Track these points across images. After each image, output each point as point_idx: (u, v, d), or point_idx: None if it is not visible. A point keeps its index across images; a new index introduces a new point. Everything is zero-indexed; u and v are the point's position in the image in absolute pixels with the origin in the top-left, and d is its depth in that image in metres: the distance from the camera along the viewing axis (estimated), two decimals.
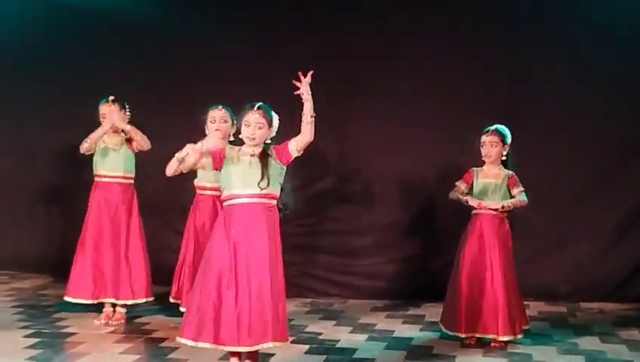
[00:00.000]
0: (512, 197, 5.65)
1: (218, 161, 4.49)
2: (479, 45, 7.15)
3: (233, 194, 4.46)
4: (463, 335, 5.57)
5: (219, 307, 4.35)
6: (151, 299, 6.11)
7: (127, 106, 6.04)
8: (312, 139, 4.44)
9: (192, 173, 5.85)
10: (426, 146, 7.14)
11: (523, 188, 5.64)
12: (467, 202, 5.68)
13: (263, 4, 7.41)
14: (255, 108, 4.47)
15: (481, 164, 5.73)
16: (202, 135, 5.39)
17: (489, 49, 7.14)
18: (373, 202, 7.31)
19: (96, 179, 6.12)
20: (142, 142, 5.98)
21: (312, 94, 4.37)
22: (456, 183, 5.77)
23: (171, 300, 5.86)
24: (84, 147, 5.98)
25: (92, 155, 6.08)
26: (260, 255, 4.41)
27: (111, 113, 5.94)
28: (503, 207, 5.60)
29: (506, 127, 5.70)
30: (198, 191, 5.85)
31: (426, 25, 7.23)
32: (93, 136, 5.95)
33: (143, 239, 6.13)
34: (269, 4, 7.41)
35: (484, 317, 5.51)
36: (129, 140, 6.05)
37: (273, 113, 4.51)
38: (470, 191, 5.72)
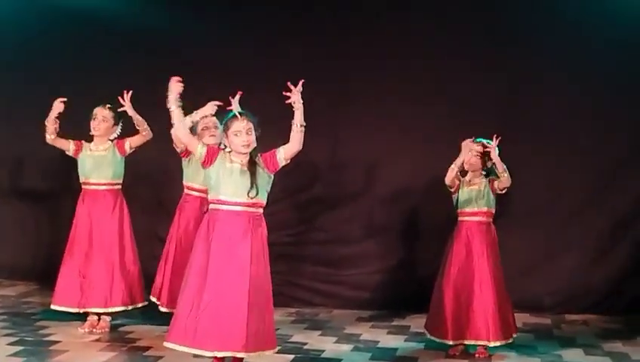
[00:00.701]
0: (496, 200, 5.68)
1: (209, 159, 4.49)
2: (478, 48, 7.14)
3: (221, 200, 4.48)
4: (451, 343, 5.58)
5: (190, 309, 4.39)
6: (145, 303, 6.07)
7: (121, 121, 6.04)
8: (301, 148, 4.47)
9: (180, 175, 5.91)
10: (413, 156, 7.14)
11: None
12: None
13: (262, 5, 7.43)
14: (240, 116, 4.48)
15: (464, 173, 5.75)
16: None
17: (488, 50, 7.13)
18: (359, 212, 7.31)
19: (83, 187, 6.05)
20: (146, 132, 5.94)
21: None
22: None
23: (151, 298, 5.91)
24: (48, 138, 5.95)
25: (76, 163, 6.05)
26: (239, 265, 4.41)
27: (54, 107, 5.90)
28: (485, 147, 5.58)
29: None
30: (186, 191, 5.88)
31: (425, 27, 7.23)
32: (47, 124, 5.91)
33: (134, 245, 6.09)
34: (269, 4, 7.42)
35: (473, 324, 5.50)
36: (119, 144, 6.00)
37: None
38: (456, 200, 5.73)
